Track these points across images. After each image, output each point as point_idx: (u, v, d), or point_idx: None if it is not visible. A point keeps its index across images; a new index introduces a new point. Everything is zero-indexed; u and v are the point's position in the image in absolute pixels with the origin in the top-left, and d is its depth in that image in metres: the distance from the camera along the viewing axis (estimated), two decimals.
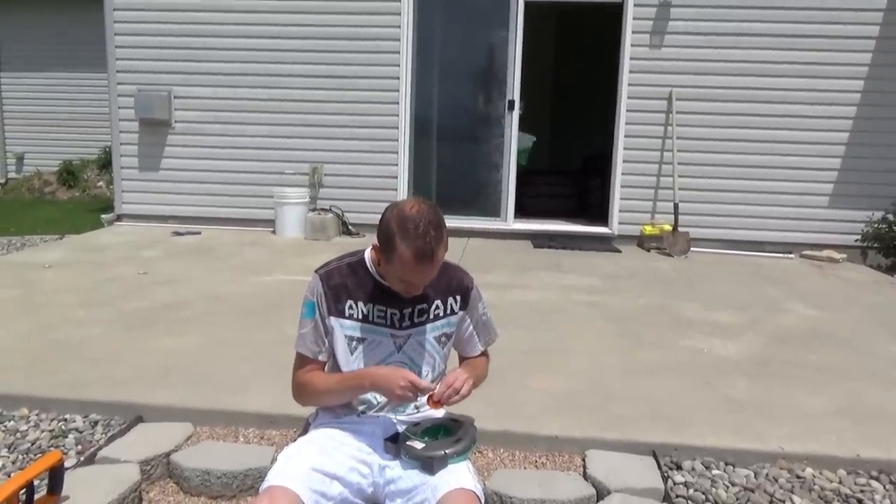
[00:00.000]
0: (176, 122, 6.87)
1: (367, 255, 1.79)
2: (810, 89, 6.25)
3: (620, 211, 6.60)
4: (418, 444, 1.69)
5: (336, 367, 1.83)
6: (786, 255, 6.32)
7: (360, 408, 1.82)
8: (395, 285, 1.72)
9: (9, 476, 2.31)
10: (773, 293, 4.98)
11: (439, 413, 1.87)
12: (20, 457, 2.46)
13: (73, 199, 9.79)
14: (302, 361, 1.82)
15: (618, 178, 6.56)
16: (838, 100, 6.26)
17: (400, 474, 1.68)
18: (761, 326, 4.11)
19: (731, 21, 6.24)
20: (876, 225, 6.19)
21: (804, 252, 6.34)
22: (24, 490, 2.00)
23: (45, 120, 10.50)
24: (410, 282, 1.68)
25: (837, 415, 2.85)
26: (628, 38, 6.36)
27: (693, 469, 2.46)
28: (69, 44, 10.04)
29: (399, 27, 6.51)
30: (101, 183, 10.07)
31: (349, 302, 1.77)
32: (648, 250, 6.36)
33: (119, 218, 7.08)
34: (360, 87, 6.63)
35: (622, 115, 6.47)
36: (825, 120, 6.29)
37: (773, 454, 2.53)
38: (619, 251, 6.29)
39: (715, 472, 2.45)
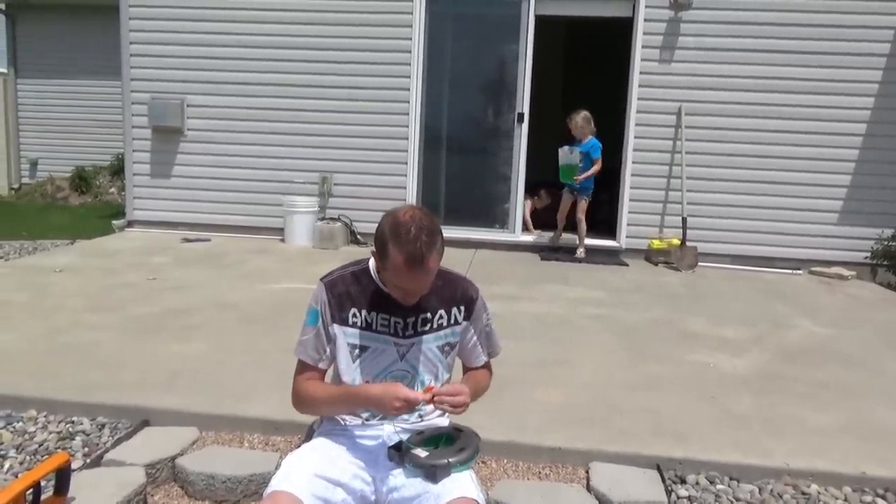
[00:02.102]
0: (188, 129, 6.94)
1: (371, 263, 1.81)
2: (820, 105, 6.26)
3: (628, 224, 6.61)
4: (422, 453, 1.69)
5: (337, 374, 1.84)
6: (794, 272, 6.29)
7: (364, 415, 1.83)
8: (393, 292, 1.73)
9: (16, 476, 2.34)
10: (780, 309, 4.96)
11: (443, 422, 1.88)
12: (28, 458, 2.49)
13: (85, 205, 9.88)
14: (302, 368, 1.83)
15: (626, 192, 6.58)
16: (849, 116, 6.25)
17: (403, 482, 1.69)
18: (768, 342, 4.09)
19: (741, 37, 6.26)
20: (885, 242, 6.17)
21: (813, 268, 6.32)
22: (31, 490, 2.02)
23: (59, 126, 10.61)
24: (405, 288, 1.69)
25: (843, 432, 2.83)
26: (638, 52, 6.39)
27: (697, 483, 2.45)
28: (84, 51, 10.16)
29: (410, 39, 6.57)
30: (112, 189, 10.16)
31: (353, 310, 1.78)
32: (656, 264, 6.36)
33: (130, 224, 7.14)
34: (371, 98, 6.68)
35: (631, 130, 6.49)
36: (835, 136, 6.29)
37: (779, 470, 2.52)
38: (626, 265, 6.29)
39: (719, 486, 2.44)
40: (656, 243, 6.44)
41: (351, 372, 1.81)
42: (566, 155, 6.29)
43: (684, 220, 6.30)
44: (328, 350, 1.81)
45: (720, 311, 4.79)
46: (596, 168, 6.23)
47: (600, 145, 6.24)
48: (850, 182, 6.33)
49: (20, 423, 2.73)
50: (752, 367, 3.62)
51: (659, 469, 2.50)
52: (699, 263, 6.23)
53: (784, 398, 3.19)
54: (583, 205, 6.33)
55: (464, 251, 6.27)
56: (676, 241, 6.31)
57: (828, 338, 4.28)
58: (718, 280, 5.90)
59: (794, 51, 6.23)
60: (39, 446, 2.57)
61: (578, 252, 6.39)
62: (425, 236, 1.61)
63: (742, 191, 6.42)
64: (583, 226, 6.35)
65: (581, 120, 6.25)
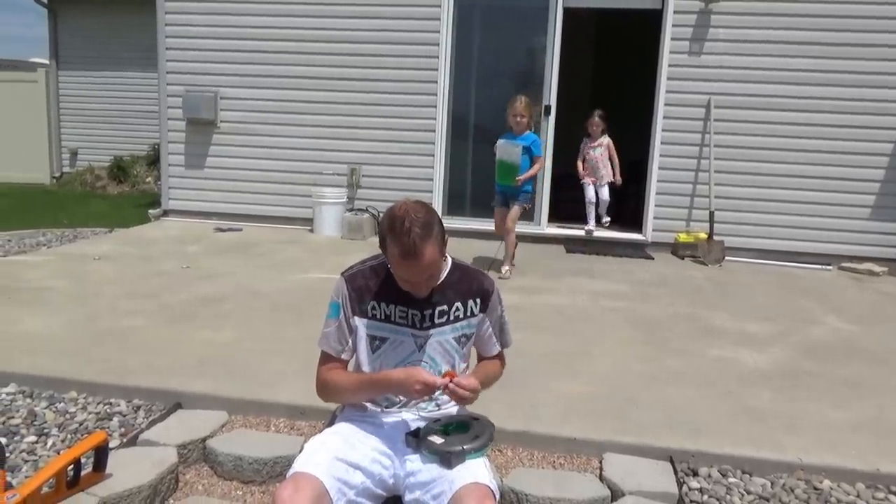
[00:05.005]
0: (221, 122, 7.10)
1: None
2: (852, 98, 6.15)
3: (655, 218, 6.58)
4: (438, 440, 1.77)
5: (358, 365, 1.93)
6: (824, 267, 6.21)
7: (384, 403, 1.92)
8: (402, 285, 1.80)
9: (58, 453, 2.48)
10: (807, 305, 4.93)
11: (459, 410, 1.96)
12: (69, 436, 2.63)
13: (123, 194, 10.15)
14: (326, 359, 1.92)
15: (653, 185, 6.55)
16: (882, 109, 6.13)
17: (419, 467, 1.76)
18: (792, 338, 4.08)
19: (771, 29, 6.17)
20: None
21: (843, 264, 6.23)
22: (72, 466, 2.15)
23: (99, 117, 10.90)
24: (407, 280, 1.76)
25: (861, 429, 2.84)
26: (667, 44, 6.34)
27: (709, 476, 2.49)
28: (123, 43, 10.41)
29: (439, 32, 6.61)
30: (149, 179, 10.42)
31: (372, 303, 1.86)
32: (682, 258, 6.33)
33: (165, 213, 7.35)
34: (399, 91, 6.76)
35: (659, 122, 6.46)
36: (868, 130, 6.17)
37: (792, 465, 2.54)
38: (652, 258, 6.28)
39: (731, 479, 2.47)
40: (683, 237, 6.41)
41: (371, 362, 1.89)
42: (507, 149, 5.23)
43: (712, 214, 6.26)
44: (350, 341, 1.89)
45: (745, 306, 4.78)
46: (538, 167, 5.33)
47: (542, 141, 5.49)
48: (884, 176, 6.21)
49: (62, 404, 2.88)
50: (774, 363, 3.62)
51: (671, 461, 2.54)
52: (726, 258, 6.20)
53: (803, 394, 3.20)
54: (516, 211, 5.29)
55: (489, 243, 6.31)
56: (703, 235, 6.28)
57: (853, 334, 4.24)
58: (745, 275, 5.86)
59: (826, 42, 6.12)
60: (79, 426, 2.70)
61: (504, 270, 5.24)
62: (418, 228, 1.67)
63: (771, 185, 6.35)
64: (512, 237, 5.32)
65: (522, 106, 5.20)
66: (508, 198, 5.33)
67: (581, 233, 6.73)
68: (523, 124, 5.24)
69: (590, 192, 6.58)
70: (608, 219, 6.65)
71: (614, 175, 6.53)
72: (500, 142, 5.27)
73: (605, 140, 6.53)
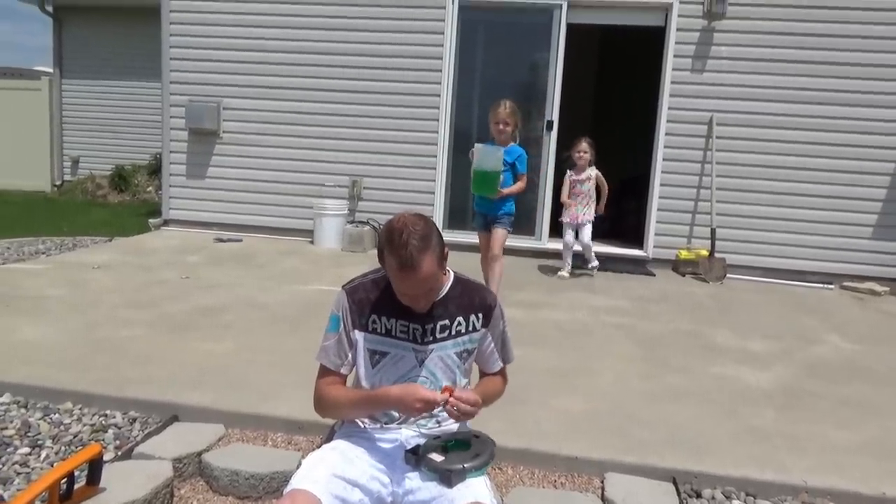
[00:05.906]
0: (224, 132, 7.11)
1: None
2: (855, 118, 6.16)
3: (656, 234, 6.57)
4: (438, 457, 1.74)
5: (357, 380, 1.90)
6: (825, 286, 6.19)
7: (383, 420, 1.89)
8: (402, 299, 1.78)
9: (52, 465, 2.44)
10: (809, 324, 4.90)
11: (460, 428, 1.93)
12: (63, 448, 2.60)
13: (123, 203, 10.15)
14: (324, 373, 1.89)
15: (655, 202, 6.55)
16: (884, 129, 6.14)
17: (419, 485, 1.73)
18: (794, 357, 4.05)
19: (774, 47, 6.19)
20: None
21: (845, 283, 6.21)
22: (65, 479, 2.12)
23: (101, 126, 10.93)
24: (406, 293, 1.74)
25: (865, 451, 2.80)
26: (670, 62, 6.36)
27: (713, 498, 2.45)
28: (127, 54, 10.47)
29: (442, 46, 6.64)
30: (150, 188, 10.42)
31: (373, 316, 1.84)
32: (683, 275, 6.31)
33: (166, 222, 7.33)
34: (401, 104, 6.77)
35: (661, 139, 6.47)
36: (870, 149, 6.18)
37: (796, 487, 2.51)
38: (653, 274, 6.26)
39: (735, 502, 2.44)
40: (684, 254, 6.40)
41: (370, 377, 1.86)
42: (486, 152, 4.47)
43: (713, 231, 6.25)
44: (349, 355, 1.86)
45: (746, 324, 4.75)
46: (521, 185, 4.60)
47: (528, 156, 4.70)
48: (886, 196, 6.21)
49: (57, 415, 2.84)
50: (776, 382, 3.59)
51: (675, 482, 2.51)
52: (728, 275, 6.18)
53: (806, 414, 3.17)
54: (501, 236, 4.59)
55: None
56: (705, 252, 6.27)
57: (856, 354, 4.22)
58: (746, 293, 5.83)
59: (828, 61, 6.14)
60: (74, 437, 2.67)
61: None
62: (415, 241, 1.65)
63: (773, 203, 6.35)
64: (500, 266, 4.59)
65: (506, 112, 4.44)
66: (489, 220, 4.63)
67: (579, 248, 6.71)
68: (507, 133, 4.48)
69: (568, 236, 5.92)
70: (596, 263, 5.97)
71: (597, 207, 5.89)
72: (478, 146, 4.55)
73: (594, 173, 5.83)
